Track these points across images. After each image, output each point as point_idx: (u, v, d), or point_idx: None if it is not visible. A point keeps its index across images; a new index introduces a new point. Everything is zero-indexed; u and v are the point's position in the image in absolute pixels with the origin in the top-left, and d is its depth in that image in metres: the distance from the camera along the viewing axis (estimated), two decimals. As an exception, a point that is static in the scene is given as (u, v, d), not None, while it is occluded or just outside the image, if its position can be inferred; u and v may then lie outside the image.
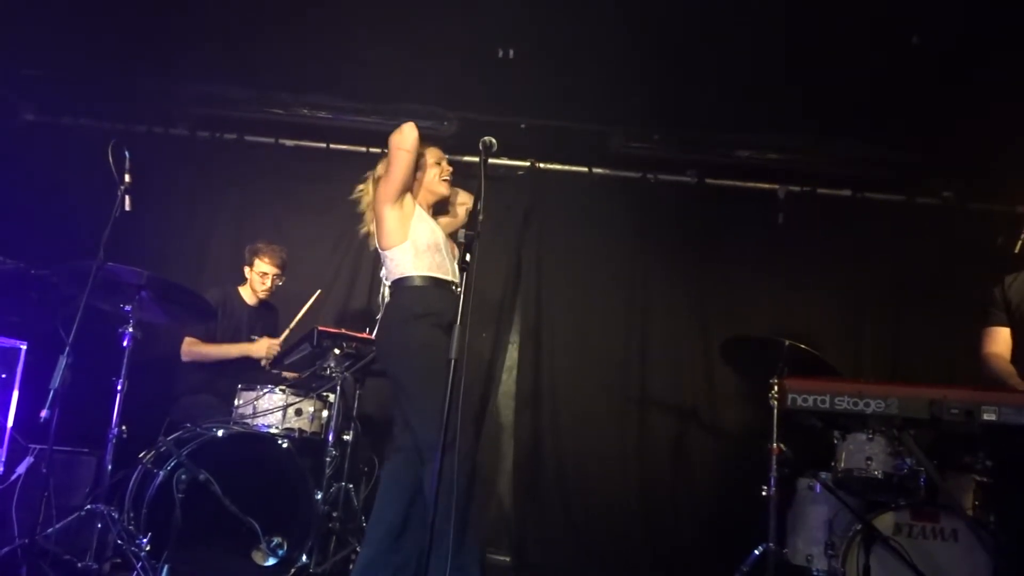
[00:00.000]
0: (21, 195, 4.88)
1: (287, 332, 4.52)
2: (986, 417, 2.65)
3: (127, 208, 3.42)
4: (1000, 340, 3.40)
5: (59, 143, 5.16)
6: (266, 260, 4.52)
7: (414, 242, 3.28)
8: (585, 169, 5.39)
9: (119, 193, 3.42)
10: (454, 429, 2.71)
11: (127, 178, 3.44)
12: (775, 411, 3.97)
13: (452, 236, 3.49)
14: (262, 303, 4.65)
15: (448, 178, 3.52)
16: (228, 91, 5.15)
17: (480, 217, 2.77)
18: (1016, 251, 3.42)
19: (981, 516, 3.49)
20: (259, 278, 4.54)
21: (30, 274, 3.96)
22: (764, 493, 3.93)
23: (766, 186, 5.34)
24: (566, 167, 5.45)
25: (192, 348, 4.43)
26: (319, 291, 4.60)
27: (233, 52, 4.66)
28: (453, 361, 2.62)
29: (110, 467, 3.57)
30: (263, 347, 4.42)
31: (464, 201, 3.67)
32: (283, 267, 4.57)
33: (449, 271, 3.30)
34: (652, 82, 4.61)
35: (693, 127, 5.11)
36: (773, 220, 5.26)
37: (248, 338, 4.53)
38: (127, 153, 3.46)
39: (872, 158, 5.10)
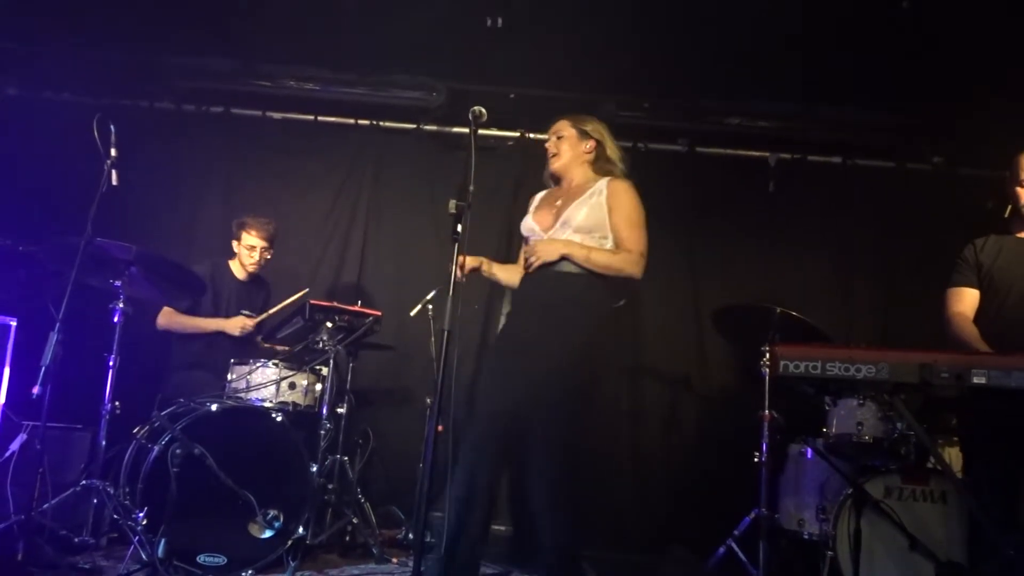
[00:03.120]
0: (6, 171, 4.83)
1: (264, 316, 4.49)
2: (976, 380, 2.66)
3: (114, 183, 3.39)
4: (966, 300, 3.39)
5: (42, 118, 5.08)
6: (253, 233, 4.49)
7: None
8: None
9: (105, 168, 3.38)
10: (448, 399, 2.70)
11: (113, 152, 3.40)
12: (767, 378, 4.00)
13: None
14: (253, 277, 4.63)
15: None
16: (214, 64, 5.08)
17: (471, 188, 2.74)
18: (1005, 215, 3.43)
19: (969, 478, 3.54)
20: (247, 251, 4.52)
21: (18, 250, 3.93)
22: (756, 459, 3.98)
23: (757, 154, 5.33)
24: (556, 137, 5.42)
25: (169, 318, 4.41)
26: (306, 290, 4.53)
27: (219, 24, 4.60)
28: (446, 332, 2.61)
29: (104, 443, 3.58)
30: (237, 324, 4.39)
31: None
32: (271, 240, 4.54)
33: None
34: (642, 50, 4.58)
35: (684, 95, 5.08)
36: (764, 188, 5.26)
37: (238, 312, 4.52)
38: (112, 127, 3.41)
39: (862, 124, 5.10)
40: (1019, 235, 3.39)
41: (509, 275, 3.37)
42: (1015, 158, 3.33)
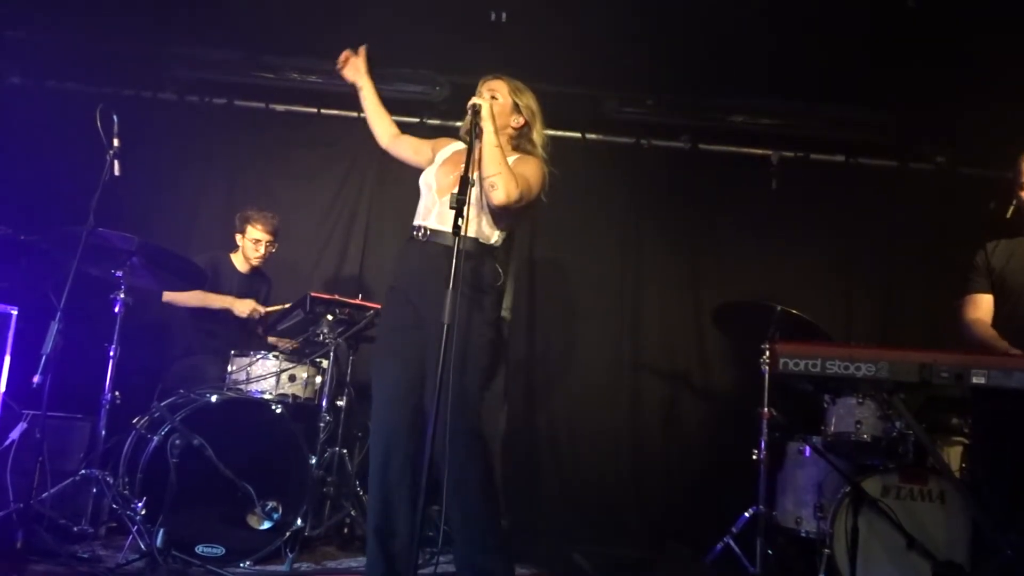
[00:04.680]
0: (8, 160, 4.83)
1: (274, 309, 4.53)
2: (976, 380, 2.66)
3: (116, 173, 3.39)
4: (982, 306, 3.37)
5: (46, 107, 5.08)
6: (258, 227, 4.50)
7: None
8: (578, 135, 5.35)
9: (108, 158, 3.38)
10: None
11: (116, 143, 3.40)
12: (766, 375, 4.00)
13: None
14: (254, 271, 4.63)
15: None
16: (217, 55, 5.09)
17: (471, 182, 2.74)
18: (1008, 216, 3.42)
19: (968, 478, 3.54)
20: (252, 245, 4.52)
21: (19, 240, 3.93)
22: (755, 456, 3.98)
23: (760, 152, 5.32)
24: (559, 132, 5.40)
25: (174, 294, 4.39)
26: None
27: (223, 16, 4.59)
28: (445, 326, 2.61)
29: (104, 432, 3.59)
30: (247, 305, 4.39)
31: None
32: (276, 234, 4.55)
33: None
34: (645, 46, 4.57)
35: (687, 92, 5.08)
36: (766, 185, 5.25)
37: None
38: (115, 118, 3.41)
39: (866, 122, 5.09)
40: None
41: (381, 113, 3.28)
42: (1018, 160, 3.31)
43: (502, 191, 2.84)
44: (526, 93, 3.11)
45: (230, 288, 4.53)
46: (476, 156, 2.87)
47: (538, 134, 3.10)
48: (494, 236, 3.00)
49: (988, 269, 3.38)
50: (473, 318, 2.86)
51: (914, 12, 4.00)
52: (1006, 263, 3.35)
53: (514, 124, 3.08)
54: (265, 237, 4.50)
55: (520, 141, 3.09)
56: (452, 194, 2.67)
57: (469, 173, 2.72)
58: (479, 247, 2.93)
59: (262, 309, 4.44)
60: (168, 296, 4.41)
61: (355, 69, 3.25)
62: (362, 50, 3.23)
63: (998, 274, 3.35)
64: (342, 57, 3.26)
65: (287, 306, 4.47)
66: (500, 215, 2.96)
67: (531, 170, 2.98)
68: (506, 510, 4.76)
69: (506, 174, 2.85)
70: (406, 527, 2.81)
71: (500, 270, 3.04)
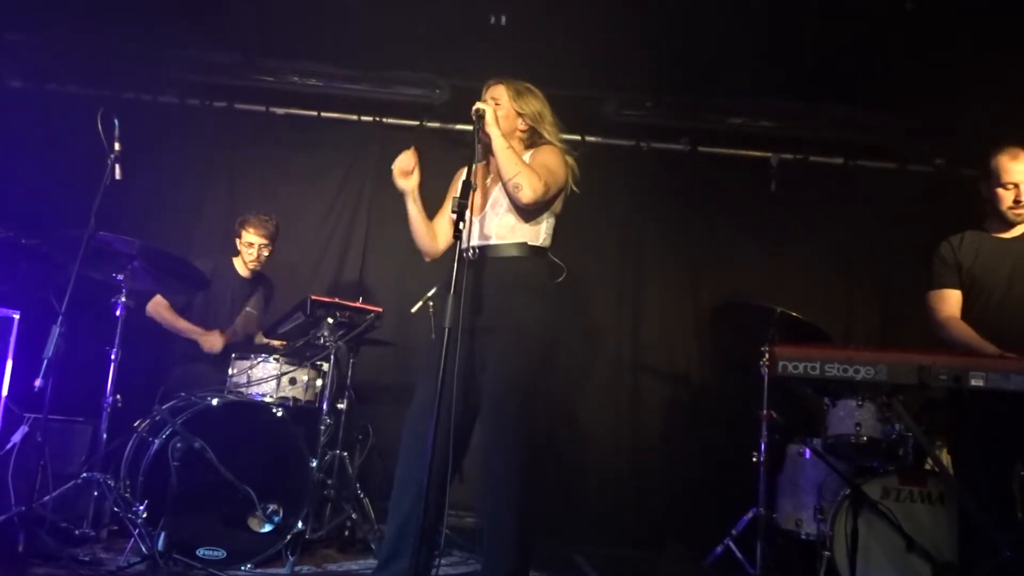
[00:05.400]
0: (9, 163, 4.83)
1: (233, 338, 4.49)
2: (974, 383, 2.66)
3: (117, 177, 3.39)
4: (952, 302, 3.33)
5: (46, 110, 5.09)
6: (251, 231, 4.50)
7: None
8: (578, 137, 5.35)
9: (109, 161, 3.38)
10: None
11: (117, 146, 3.40)
12: (766, 378, 4.00)
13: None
14: (255, 275, 4.64)
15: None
16: (218, 58, 5.09)
17: (473, 187, 2.74)
18: (985, 215, 3.42)
19: (965, 479, 3.54)
20: (247, 248, 4.53)
21: (21, 243, 3.93)
22: (755, 459, 3.99)
23: (759, 154, 5.33)
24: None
25: (156, 309, 4.42)
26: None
27: (223, 19, 4.59)
28: (447, 329, 2.62)
29: (105, 436, 3.60)
30: (212, 340, 4.36)
31: None
32: (271, 237, 4.54)
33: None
34: (645, 49, 4.58)
35: (686, 94, 5.09)
36: (766, 187, 5.26)
37: (240, 309, 4.56)
38: (116, 121, 3.42)
39: (865, 124, 5.10)
40: (997, 235, 3.35)
41: (424, 222, 3.11)
42: (993, 159, 3.28)
43: (528, 188, 2.84)
44: (528, 97, 3.08)
45: (232, 293, 4.55)
46: (488, 160, 2.93)
47: (548, 131, 3.07)
48: (540, 236, 3.01)
49: (957, 264, 3.34)
50: (532, 320, 2.88)
51: (913, 14, 4.00)
52: (974, 260, 3.32)
53: (520, 127, 3.08)
54: (259, 240, 4.51)
55: (532, 138, 3.09)
56: (454, 198, 2.69)
57: (471, 177, 2.74)
58: (530, 250, 2.96)
59: (219, 346, 4.36)
60: (151, 311, 4.42)
61: (405, 172, 3.07)
62: (412, 153, 3.05)
63: (966, 271, 3.33)
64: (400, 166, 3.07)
65: (265, 343, 4.54)
66: (534, 211, 2.96)
67: (550, 158, 2.97)
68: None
69: (526, 171, 2.85)
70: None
71: (557, 265, 3.06)
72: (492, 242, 2.96)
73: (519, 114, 3.06)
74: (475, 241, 2.97)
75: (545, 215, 3.01)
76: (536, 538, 2.94)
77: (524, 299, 2.91)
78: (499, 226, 2.97)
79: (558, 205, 3.06)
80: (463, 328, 2.73)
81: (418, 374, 3.04)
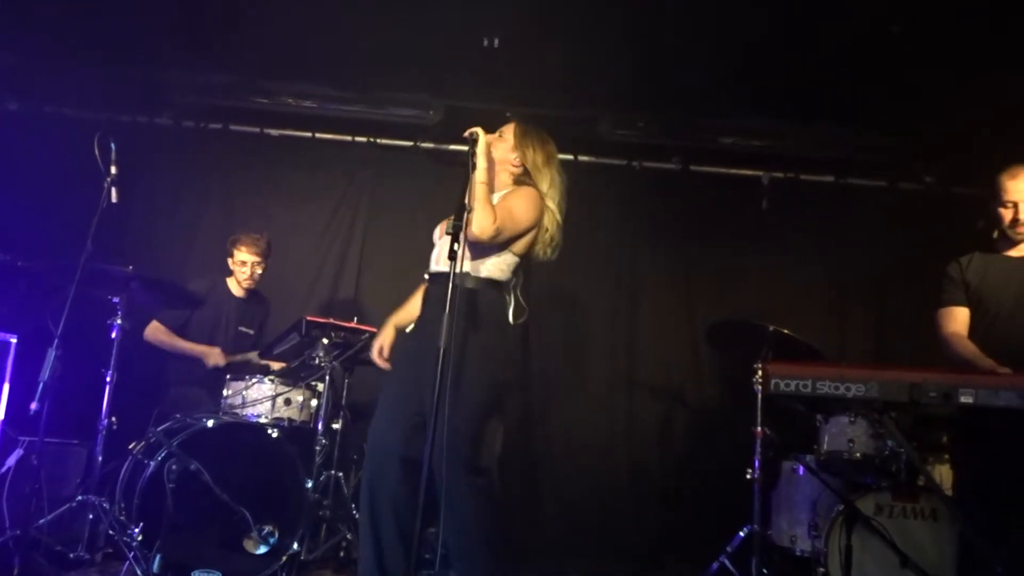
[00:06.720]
0: (5, 185, 4.85)
1: (239, 359, 4.53)
2: (963, 400, 2.69)
3: (114, 200, 3.42)
4: (959, 319, 3.39)
5: (42, 132, 5.11)
6: (243, 249, 4.52)
7: None
8: (570, 157, 5.40)
9: (105, 185, 3.41)
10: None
11: (113, 170, 3.43)
12: (759, 395, 4.02)
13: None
14: (251, 294, 4.65)
15: None
16: (213, 80, 5.12)
17: (468, 208, 2.78)
18: (995, 236, 3.46)
19: (959, 496, 3.56)
20: (240, 267, 4.54)
21: (17, 266, 3.95)
22: (749, 476, 3.98)
23: (750, 172, 5.37)
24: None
25: (155, 333, 4.43)
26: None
27: (218, 42, 4.64)
28: (441, 350, 2.64)
29: (100, 458, 3.60)
30: (215, 355, 4.38)
31: None
32: (263, 255, 4.56)
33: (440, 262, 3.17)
34: (637, 69, 4.63)
35: (678, 113, 5.13)
36: (757, 206, 5.30)
37: (236, 329, 4.57)
38: (113, 145, 3.45)
39: (855, 143, 5.15)
40: (1006, 254, 3.41)
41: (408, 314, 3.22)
42: (996, 179, 3.34)
43: (475, 224, 2.84)
44: (533, 148, 3.11)
45: (228, 313, 4.56)
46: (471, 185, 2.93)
47: (540, 180, 3.08)
48: (496, 270, 3.02)
49: (964, 282, 3.41)
50: (469, 351, 2.87)
51: (899, 37, 4.06)
52: (981, 280, 3.38)
53: (514, 162, 3.12)
54: (251, 259, 4.53)
55: (523, 178, 3.12)
56: (449, 220, 2.72)
57: (465, 200, 2.77)
58: (483, 282, 2.98)
59: (223, 362, 4.39)
60: (149, 336, 4.44)
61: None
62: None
63: (974, 290, 3.38)
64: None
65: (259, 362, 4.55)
66: (481, 248, 2.97)
67: (519, 202, 2.99)
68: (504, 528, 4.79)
69: (481, 208, 2.86)
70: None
71: (519, 304, 3.08)
72: (445, 269, 2.92)
73: (518, 149, 3.10)
74: (440, 266, 3.01)
75: (502, 253, 3.02)
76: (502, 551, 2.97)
77: (471, 329, 2.90)
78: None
79: (519, 246, 3.06)
80: (414, 352, 2.93)
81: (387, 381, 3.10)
